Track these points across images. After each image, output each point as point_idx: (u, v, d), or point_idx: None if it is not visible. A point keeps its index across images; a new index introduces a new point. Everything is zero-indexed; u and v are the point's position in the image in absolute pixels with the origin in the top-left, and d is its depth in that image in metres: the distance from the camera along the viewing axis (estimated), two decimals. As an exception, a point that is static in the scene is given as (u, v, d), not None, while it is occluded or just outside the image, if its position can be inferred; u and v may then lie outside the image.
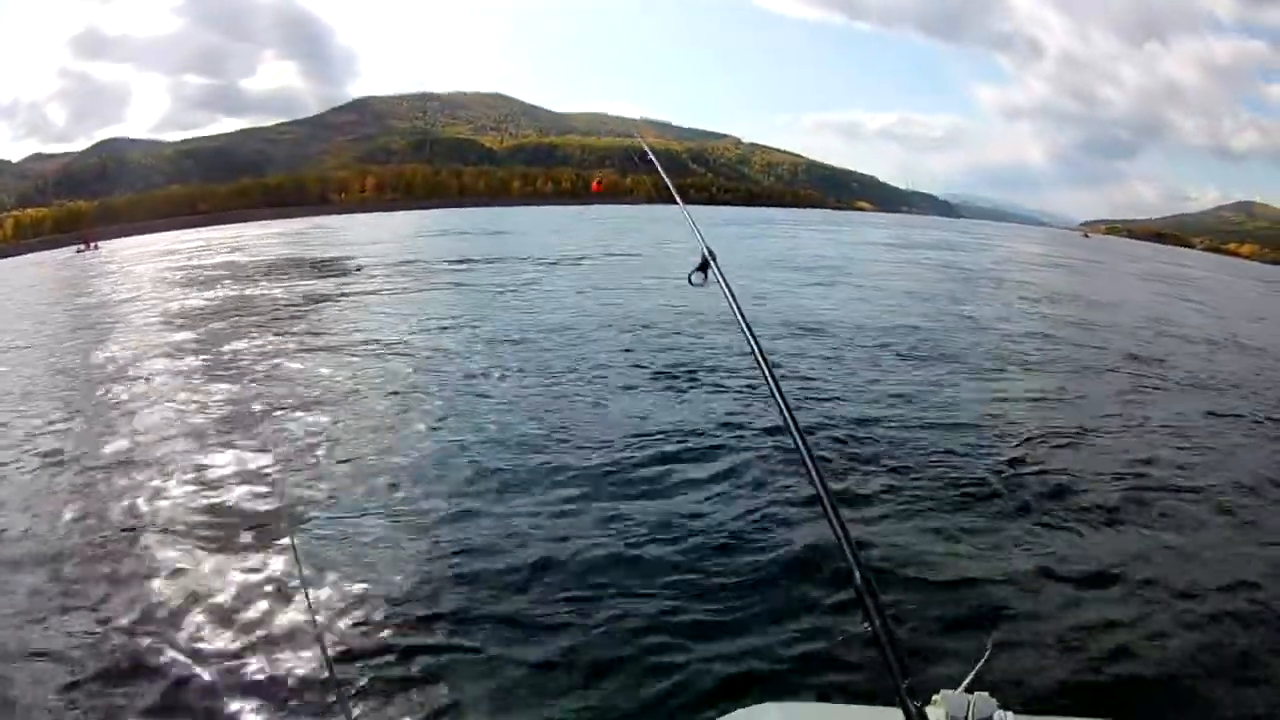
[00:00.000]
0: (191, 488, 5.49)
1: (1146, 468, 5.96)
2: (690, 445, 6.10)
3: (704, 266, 1.71)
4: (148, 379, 8.97)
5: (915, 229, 46.83)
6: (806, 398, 7.42)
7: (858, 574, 1.03)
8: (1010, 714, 1.29)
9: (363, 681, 3.28)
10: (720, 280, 1.63)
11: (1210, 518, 5.14)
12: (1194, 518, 5.13)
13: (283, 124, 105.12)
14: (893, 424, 6.69)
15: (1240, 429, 7.34)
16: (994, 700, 1.28)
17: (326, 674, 3.25)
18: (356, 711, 3.10)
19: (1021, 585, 4.07)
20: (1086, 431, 6.84)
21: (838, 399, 7.50)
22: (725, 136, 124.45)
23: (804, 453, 1.15)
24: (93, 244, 44.26)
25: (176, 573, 4.28)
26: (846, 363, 9.20)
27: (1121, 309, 17.05)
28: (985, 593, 4.01)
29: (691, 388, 7.86)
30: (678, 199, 2.26)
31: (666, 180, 2.31)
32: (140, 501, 5.31)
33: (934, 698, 1.31)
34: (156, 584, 4.19)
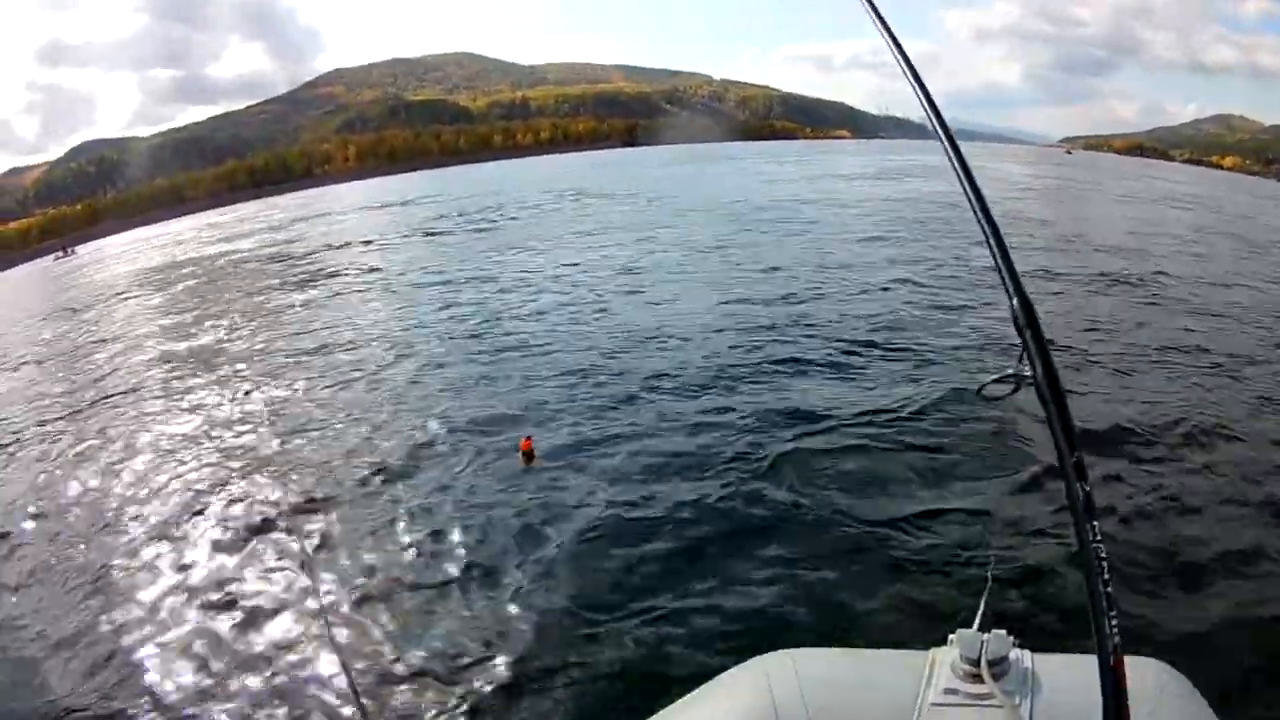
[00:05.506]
0: (188, 485, 5.47)
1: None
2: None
3: None
4: (116, 378, 9.07)
5: (890, 155, 43.51)
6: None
7: (1018, 308, 0.98)
8: (1027, 652, 1.25)
9: (374, 674, 3.21)
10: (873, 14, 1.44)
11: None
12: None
13: (254, 105, 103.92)
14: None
15: None
16: (1010, 639, 1.24)
17: (338, 668, 3.20)
18: (369, 705, 3.02)
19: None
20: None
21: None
22: (696, 75, 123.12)
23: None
24: (69, 250, 46.13)
25: (177, 571, 4.31)
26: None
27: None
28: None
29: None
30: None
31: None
32: (135, 501, 5.31)
33: (950, 637, 1.27)
34: (157, 583, 4.20)
